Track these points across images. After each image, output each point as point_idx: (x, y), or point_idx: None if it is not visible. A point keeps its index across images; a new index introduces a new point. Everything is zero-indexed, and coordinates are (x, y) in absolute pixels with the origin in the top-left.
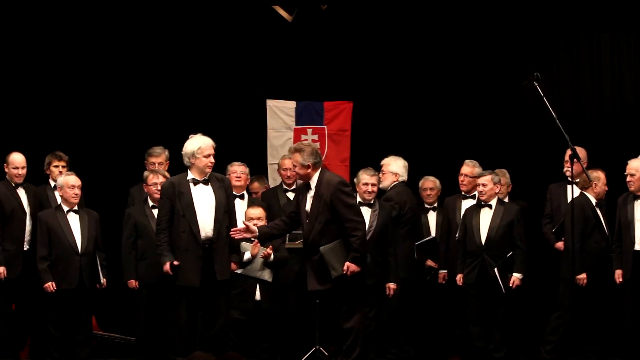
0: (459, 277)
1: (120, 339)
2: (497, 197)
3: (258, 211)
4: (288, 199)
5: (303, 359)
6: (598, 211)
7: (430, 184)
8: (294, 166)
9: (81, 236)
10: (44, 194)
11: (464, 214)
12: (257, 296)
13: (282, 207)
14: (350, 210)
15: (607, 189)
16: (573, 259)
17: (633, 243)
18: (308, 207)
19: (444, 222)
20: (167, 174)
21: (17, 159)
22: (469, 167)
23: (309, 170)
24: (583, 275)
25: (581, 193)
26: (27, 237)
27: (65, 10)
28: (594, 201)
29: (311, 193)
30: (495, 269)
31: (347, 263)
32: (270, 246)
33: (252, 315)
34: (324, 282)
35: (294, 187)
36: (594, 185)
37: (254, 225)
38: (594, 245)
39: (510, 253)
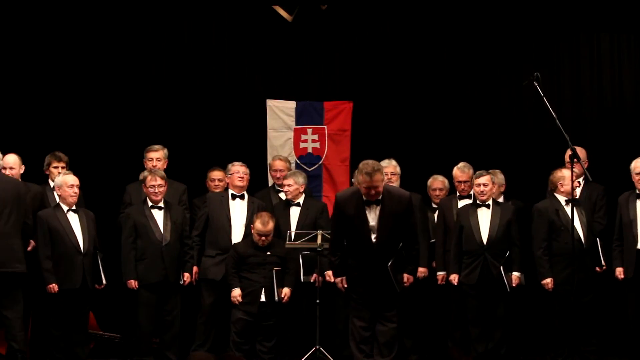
0: (454, 277)
1: (117, 338)
2: (492, 197)
3: (269, 228)
4: (280, 199)
5: (303, 359)
6: (569, 210)
7: (439, 184)
8: (376, 187)
9: (82, 235)
10: (43, 194)
11: (458, 214)
12: (262, 297)
13: (275, 207)
14: (417, 224)
15: (578, 184)
16: (574, 260)
17: (635, 242)
18: (374, 220)
19: (439, 223)
20: (164, 175)
21: (10, 160)
22: (465, 173)
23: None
24: (548, 280)
25: (548, 196)
26: None
27: (65, 10)
28: (563, 201)
29: (377, 208)
30: (501, 267)
31: (406, 275)
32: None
33: (256, 317)
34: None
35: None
36: (559, 186)
37: (264, 239)
38: (563, 247)
39: (508, 253)
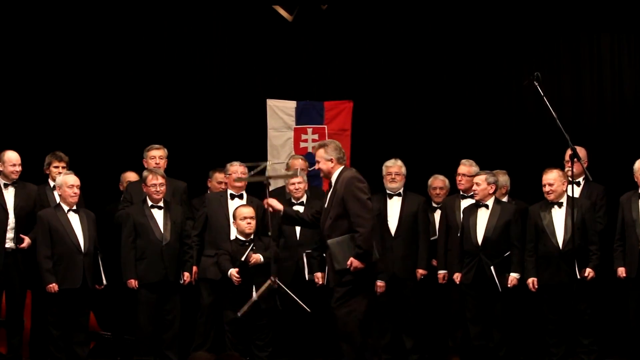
0: (457, 276)
1: (118, 338)
2: (493, 197)
3: (249, 210)
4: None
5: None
6: (554, 213)
7: (440, 183)
8: (318, 162)
9: (83, 235)
10: (43, 194)
11: (463, 213)
12: (254, 296)
13: None
14: (358, 204)
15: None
16: (573, 261)
17: (638, 242)
18: (326, 203)
19: (442, 222)
20: (164, 174)
21: (12, 156)
22: (465, 167)
23: (332, 165)
24: (529, 280)
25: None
26: (9, 234)
27: (65, 10)
28: (550, 203)
29: (331, 190)
30: (492, 267)
31: (351, 258)
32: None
33: (248, 316)
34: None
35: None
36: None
37: (248, 223)
38: (542, 249)
39: (508, 253)
